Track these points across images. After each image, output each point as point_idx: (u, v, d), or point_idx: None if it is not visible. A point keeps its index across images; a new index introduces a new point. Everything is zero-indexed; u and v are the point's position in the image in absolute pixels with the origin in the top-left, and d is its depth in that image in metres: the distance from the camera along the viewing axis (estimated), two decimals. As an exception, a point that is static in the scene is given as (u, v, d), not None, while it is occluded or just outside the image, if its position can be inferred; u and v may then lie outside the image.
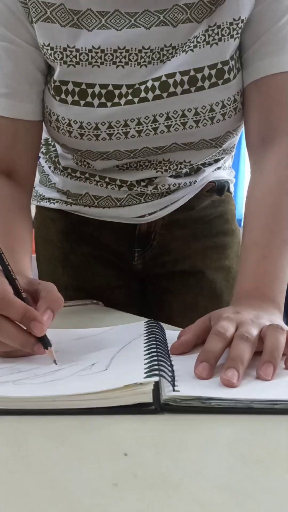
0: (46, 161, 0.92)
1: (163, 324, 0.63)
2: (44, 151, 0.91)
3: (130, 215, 0.86)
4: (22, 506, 0.27)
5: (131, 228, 0.89)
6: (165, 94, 0.68)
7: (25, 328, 0.49)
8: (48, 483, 0.29)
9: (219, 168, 0.92)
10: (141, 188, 0.82)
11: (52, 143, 0.89)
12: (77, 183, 0.86)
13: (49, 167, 0.91)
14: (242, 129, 0.78)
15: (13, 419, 0.38)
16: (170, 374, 0.43)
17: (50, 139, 0.89)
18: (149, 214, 0.86)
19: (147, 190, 0.83)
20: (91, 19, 0.67)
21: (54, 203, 0.91)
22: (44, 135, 0.85)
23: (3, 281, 0.51)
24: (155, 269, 0.93)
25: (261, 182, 0.69)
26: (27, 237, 0.71)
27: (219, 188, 0.91)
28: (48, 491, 0.28)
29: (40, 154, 0.93)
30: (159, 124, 0.70)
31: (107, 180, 0.82)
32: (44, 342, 0.49)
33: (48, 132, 0.78)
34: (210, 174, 0.90)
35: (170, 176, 0.83)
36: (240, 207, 1.98)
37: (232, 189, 0.97)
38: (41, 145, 0.90)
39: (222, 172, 0.92)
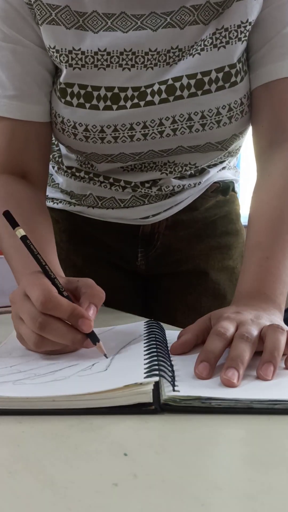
0: (50, 161, 0.92)
1: (163, 324, 0.63)
2: None
3: (134, 216, 0.86)
4: (22, 506, 0.27)
5: (135, 229, 0.88)
6: (171, 98, 0.67)
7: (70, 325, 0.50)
8: (48, 483, 0.29)
9: (223, 168, 0.91)
10: (145, 190, 0.82)
11: (56, 143, 0.89)
12: (81, 184, 0.86)
13: (53, 167, 0.91)
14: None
15: (13, 419, 0.38)
16: (170, 374, 0.43)
17: (54, 139, 0.89)
18: (153, 216, 0.86)
19: (151, 191, 0.82)
20: (97, 21, 0.66)
21: (58, 203, 0.91)
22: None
23: (46, 281, 0.51)
24: (159, 269, 0.93)
25: (267, 184, 0.69)
26: (51, 237, 0.70)
27: (223, 189, 0.91)
28: (48, 491, 0.28)
29: None
30: (165, 127, 0.70)
31: (111, 181, 0.82)
32: (92, 337, 0.50)
33: (53, 133, 0.78)
34: (215, 175, 0.89)
35: (175, 178, 0.83)
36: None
37: (237, 189, 0.96)
38: None
39: (226, 172, 0.92)
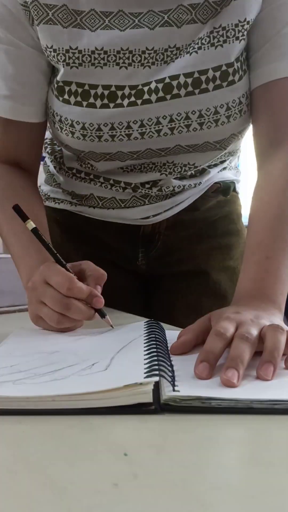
0: (51, 161, 0.92)
1: (163, 324, 0.63)
2: (49, 151, 0.91)
3: (134, 216, 0.86)
4: (22, 506, 0.27)
5: (135, 229, 0.88)
6: (168, 96, 0.67)
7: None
8: (48, 483, 0.29)
9: (224, 168, 0.91)
10: (145, 190, 0.82)
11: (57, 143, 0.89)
12: (82, 184, 0.86)
13: (54, 167, 0.91)
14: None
15: (13, 419, 0.38)
16: (170, 374, 0.43)
17: (54, 140, 0.89)
18: (154, 216, 0.86)
19: (152, 192, 0.82)
20: (95, 20, 0.66)
21: (59, 203, 0.91)
22: (50, 135, 0.86)
23: (63, 270, 0.62)
24: (159, 269, 0.93)
25: (267, 184, 0.69)
26: (45, 222, 0.76)
27: (224, 189, 0.91)
28: (48, 491, 0.28)
29: (46, 154, 0.93)
30: (163, 126, 0.70)
31: (111, 181, 0.82)
32: (101, 312, 0.62)
33: (52, 132, 0.78)
34: (215, 175, 0.89)
35: (175, 178, 0.83)
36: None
37: (238, 189, 0.96)
38: (46, 145, 0.91)
39: (227, 172, 0.92)
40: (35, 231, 0.64)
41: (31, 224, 0.64)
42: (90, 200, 0.86)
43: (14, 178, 0.78)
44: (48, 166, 0.93)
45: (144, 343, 0.52)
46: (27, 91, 0.72)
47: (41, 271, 0.62)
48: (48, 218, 0.95)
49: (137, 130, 0.70)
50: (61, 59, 0.68)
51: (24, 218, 0.64)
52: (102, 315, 0.62)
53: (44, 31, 0.67)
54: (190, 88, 0.67)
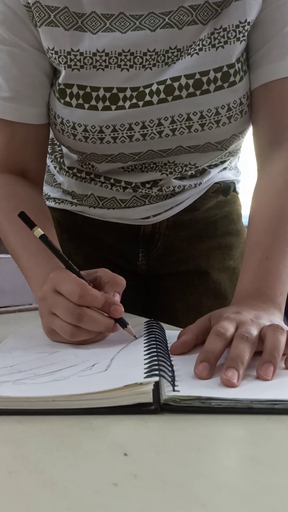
0: (51, 161, 0.92)
1: (163, 324, 0.63)
2: (49, 151, 0.91)
3: (135, 216, 0.86)
4: (22, 506, 0.27)
5: (136, 229, 0.88)
6: (170, 98, 0.67)
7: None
8: (48, 483, 0.29)
9: (224, 168, 0.91)
10: (145, 190, 0.82)
11: (58, 143, 0.89)
12: (82, 184, 0.86)
13: (55, 167, 0.91)
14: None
15: (13, 419, 0.38)
16: (170, 374, 0.43)
17: (55, 140, 0.89)
18: (154, 216, 0.86)
19: (152, 192, 0.83)
20: (96, 22, 0.66)
21: (59, 203, 0.92)
22: (50, 134, 0.86)
23: (75, 276, 0.56)
24: (159, 269, 0.93)
25: (267, 184, 0.69)
26: (53, 232, 0.72)
27: (224, 189, 0.91)
28: (48, 491, 0.28)
29: None
30: (164, 127, 0.70)
31: (112, 181, 0.82)
32: (122, 321, 0.56)
33: (53, 134, 0.78)
34: (216, 175, 0.89)
35: (175, 178, 0.83)
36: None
37: (238, 189, 0.96)
38: None
39: (227, 172, 0.92)
40: (43, 237, 0.59)
41: (39, 231, 0.59)
42: (90, 200, 0.86)
43: (20, 188, 0.75)
44: (48, 166, 0.93)
45: (144, 343, 0.52)
46: (32, 92, 0.71)
47: (51, 279, 0.57)
48: None
49: (139, 132, 0.70)
50: (62, 61, 0.68)
51: (31, 225, 0.59)
52: (123, 325, 0.56)
53: (45, 33, 0.67)
54: (191, 89, 0.67)
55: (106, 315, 0.55)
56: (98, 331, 0.55)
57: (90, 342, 0.56)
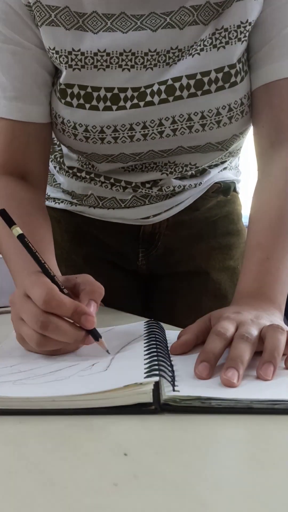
0: (51, 161, 0.92)
1: (163, 324, 0.63)
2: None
3: (135, 216, 0.86)
4: (22, 506, 0.27)
5: (136, 229, 0.88)
6: (171, 98, 0.67)
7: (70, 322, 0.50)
8: (48, 483, 0.29)
9: (225, 168, 0.91)
10: (145, 190, 0.82)
11: (58, 143, 0.89)
12: (82, 184, 0.86)
13: (54, 167, 0.91)
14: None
15: (13, 419, 0.38)
16: (170, 374, 0.43)
17: (55, 139, 0.89)
18: (154, 216, 0.86)
19: (152, 191, 0.83)
20: (97, 22, 0.66)
21: (59, 203, 0.91)
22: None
23: (47, 280, 0.51)
24: (159, 269, 0.93)
25: (268, 185, 0.69)
26: (49, 237, 0.70)
27: (224, 189, 0.91)
28: (48, 491, 0.28)
29: None
30: (165, 128, 0.70)
31: (112, 181, 0.82)
32: (94, 334, 0.50)
33: (54, 134, 0.78)
34: (216, 175, 0.89)
35: (175, 178, 0.83)
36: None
37: (238, 189, 0.96)
38: None
39: (228, 172, 0.92)
40: (21, 237, 0.54)
41: (17, 230, 0.55)
42: (90, 200, 0.86)
43: (19, 190, 0.73)
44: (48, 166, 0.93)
45: (144, 343, 0.52)
46: (35, 91, 0.71)
47: (22, 282, 0.53)
48: (49, 217, 0.95)
49: (140, 132, 0.70)
50: (63, 61, 0.68)
51: (10, 223, 0.55)
52: (96, 338, 0.51)
53: (46, 32, 0.67)
54: (192, 90, 0.67)
55: (78, 325, 0.50)
56: (66, 342, 0.50)
57: (62, 353, 0.51)
